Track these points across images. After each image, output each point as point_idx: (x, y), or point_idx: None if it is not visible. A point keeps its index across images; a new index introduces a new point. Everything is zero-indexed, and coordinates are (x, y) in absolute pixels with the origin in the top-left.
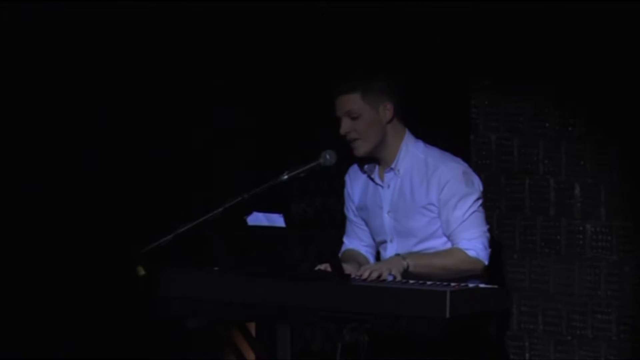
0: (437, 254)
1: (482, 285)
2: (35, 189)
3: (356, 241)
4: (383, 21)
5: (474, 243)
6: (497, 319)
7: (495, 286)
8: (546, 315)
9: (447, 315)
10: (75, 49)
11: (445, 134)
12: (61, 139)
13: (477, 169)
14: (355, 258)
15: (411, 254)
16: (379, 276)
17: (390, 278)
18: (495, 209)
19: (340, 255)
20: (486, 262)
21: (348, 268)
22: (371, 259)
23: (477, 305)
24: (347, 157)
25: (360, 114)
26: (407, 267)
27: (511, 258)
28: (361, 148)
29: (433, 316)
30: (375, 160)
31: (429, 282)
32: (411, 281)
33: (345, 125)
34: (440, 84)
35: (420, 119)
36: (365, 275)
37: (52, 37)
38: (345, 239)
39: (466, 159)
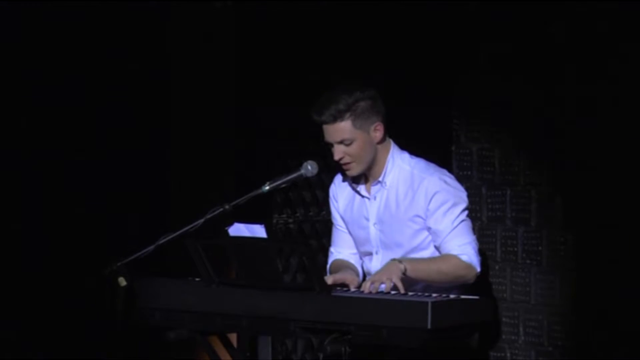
0: (433, 258)
1: (463, 296)
2: (16, 198)
3: (345, 249)
4: (362, 28)
5: (465, 249)
6: (479, 329)
7: (477, 297)
8: (527, 326)
9: (429, 326)
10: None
11: (426, 146)
12: (43, 146)
13: (459, 180)
14: (348, 265)
15: (407, 258)
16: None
17: (382, 287)
18: (477, 220)
19: (329, 265)
20: (479, 269)
21: (347, 277)
22: (359, 268)
23: (458, 316)
24: (329, 168)
25: (353, 139)
26: (405, 270)
27: (492, 269)
28: (355, 170)
29: (414, 327)
30: (363, 174)
31: (410, 293)
32: (393, 292)
33: (339, 152)
34: (422, 95)
35: (402, 131)
36: (367, 287)
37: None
38: (332, 249)
39: (448, 170)
